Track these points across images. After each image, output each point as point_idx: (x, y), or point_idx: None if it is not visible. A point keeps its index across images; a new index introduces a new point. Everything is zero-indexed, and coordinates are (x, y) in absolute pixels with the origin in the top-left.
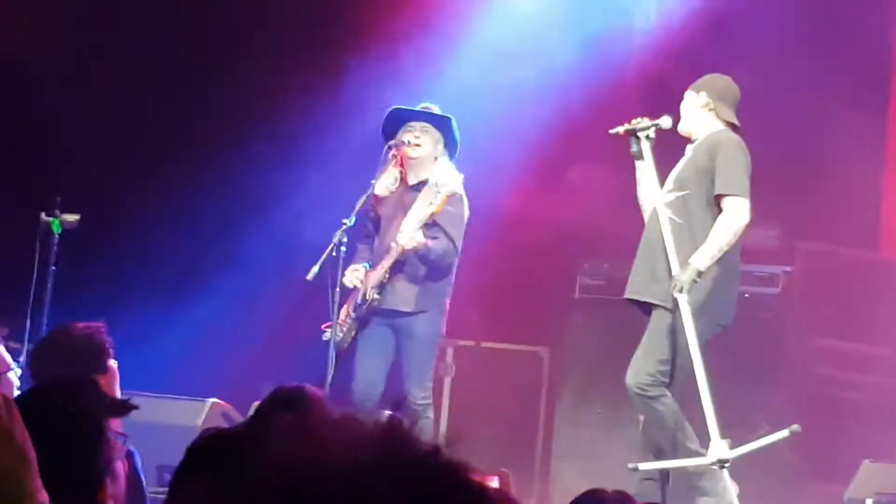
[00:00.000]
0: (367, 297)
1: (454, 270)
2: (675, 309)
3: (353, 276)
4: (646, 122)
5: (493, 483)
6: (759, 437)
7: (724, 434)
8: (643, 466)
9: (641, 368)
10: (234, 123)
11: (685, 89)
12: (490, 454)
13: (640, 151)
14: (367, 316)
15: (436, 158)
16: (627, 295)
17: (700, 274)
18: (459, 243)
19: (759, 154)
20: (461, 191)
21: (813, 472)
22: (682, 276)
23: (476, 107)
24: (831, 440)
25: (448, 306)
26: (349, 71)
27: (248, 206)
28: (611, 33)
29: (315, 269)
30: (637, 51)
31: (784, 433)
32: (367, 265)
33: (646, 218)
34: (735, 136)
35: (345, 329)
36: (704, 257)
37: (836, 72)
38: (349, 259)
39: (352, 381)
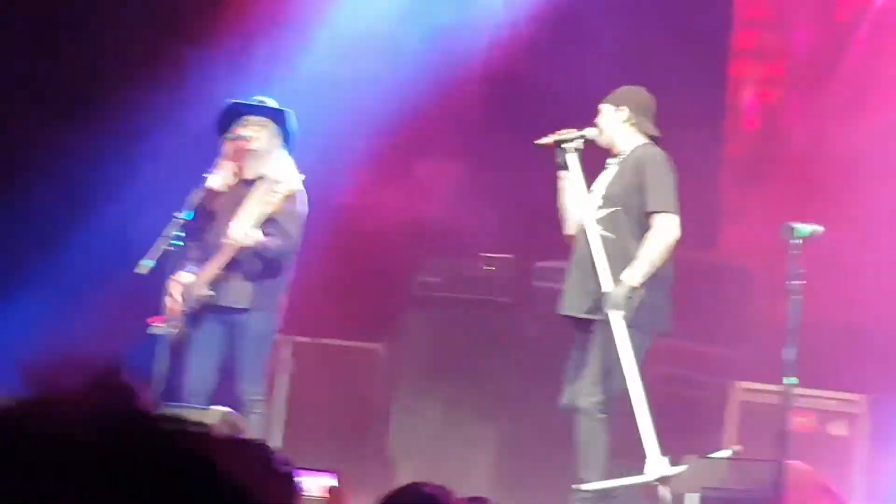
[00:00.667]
0: (201, 294)
1: (291, 267)
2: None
3: (181, 282)
4: (573, 132)
5: (330, 481)
6: None
7: (561, 432)
8: (586, 487)
9: (591, 389)
10: (65, 114)
11: (533, 82)
12: (327, 451)
13: (566, 162)
14: (200, 312)
15: (273, 153)
16: (565, 311)
17: (633, 290)
18: (297, 240)
19: (596, 155)
20: (300, 187)
21: (639, 467)
22: (616, 292)
23: (323, 99)
24: (664, 435)
25: (283, 303)
26: (192, 64)
27: (80, 199)
28: (459, 26)
29: (146, 262)
30: (485, 44)
31: (727, 452)
32: (194, 267)
33: (568, 229)
34: (661, 152)
35: (176, 324)
36: (637, 274)
37: (674, 71)
38: (182, 253)
39: (183, 376)
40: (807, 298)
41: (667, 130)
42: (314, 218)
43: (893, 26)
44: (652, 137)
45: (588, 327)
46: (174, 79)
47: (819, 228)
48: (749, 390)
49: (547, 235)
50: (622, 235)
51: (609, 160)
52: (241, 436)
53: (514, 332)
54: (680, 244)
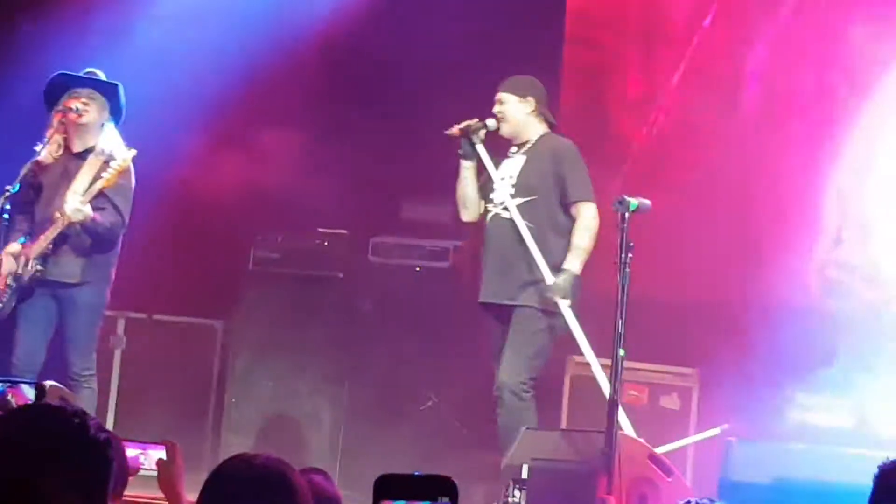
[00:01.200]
0: (30, 268)
1: (120, 241)
2: (544, 311)
3: (9, 254)
4: (477, 123)
5: (160, 454)
6: (426, 408)
7: (394, 405)
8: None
9: (516, 371)
10: None
11: (370, 55)
12: (161, 426)
13: (471, 151)
14: (29, 286)
15: (102, 126)
16: (489, 299)
17: (576, 278)
18: (127, 215)
19: (436, 130)
20: (130, 163)
21: (477, 441)
22: (562, 282)
23: (159, 72)
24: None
25: (113, 277)
26: (26, 35)
27: None
28: None
29: None
30: (327, 12)
31: (715, 431)
32: (22, 239)
33: (467, 216)
34: (570, 141)
35: (4, 298)
36: (577, 262)
37: (512, 41)
38: (10, 227)
39: (12, 351)
40: (639, 273)
41: None
42: (150, 192)
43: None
44: (550, 125)
45: (508, 314)
46: (7, 50)
47: (646, 202)
48: (581, 364)
49: (383, 211)
50: (540, 224)
51: (513, 149)
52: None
53: (350, 307)
54: None
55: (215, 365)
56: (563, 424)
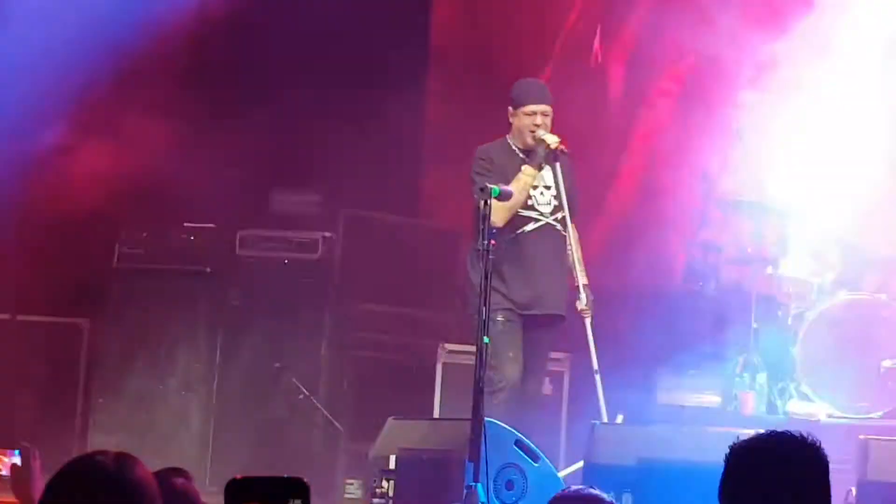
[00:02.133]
0: None
1: None
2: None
3: None
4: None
5: (14, 459)
6: (298, 398)
7: (263, 399)
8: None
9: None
10: None
11: (237, 45)
12: (28, 428)
13: (545, 162)
14: None
15: None
16: (551, 310)
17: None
18: None
19: (302, 121)
20: None
21: (348, 433)
22: (588, 297)
23: (19, 57)
24: (370, 400)
25: None
26: None
27: None
28: None
29: None
30: (189, 8)
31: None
32: None
33: (502, 221)
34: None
35: None
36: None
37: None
38: None
39: None
40: None
41: (372, 98)
42: (9, 190)
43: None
44: None
45: (554, 323)
46: None
47: (508, 188)
48: (452, 351)
49: (250, 203)
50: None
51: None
52: None
53: (218, 302)
54: (386, 210)
55: (82, 365)
56: (436, 412)
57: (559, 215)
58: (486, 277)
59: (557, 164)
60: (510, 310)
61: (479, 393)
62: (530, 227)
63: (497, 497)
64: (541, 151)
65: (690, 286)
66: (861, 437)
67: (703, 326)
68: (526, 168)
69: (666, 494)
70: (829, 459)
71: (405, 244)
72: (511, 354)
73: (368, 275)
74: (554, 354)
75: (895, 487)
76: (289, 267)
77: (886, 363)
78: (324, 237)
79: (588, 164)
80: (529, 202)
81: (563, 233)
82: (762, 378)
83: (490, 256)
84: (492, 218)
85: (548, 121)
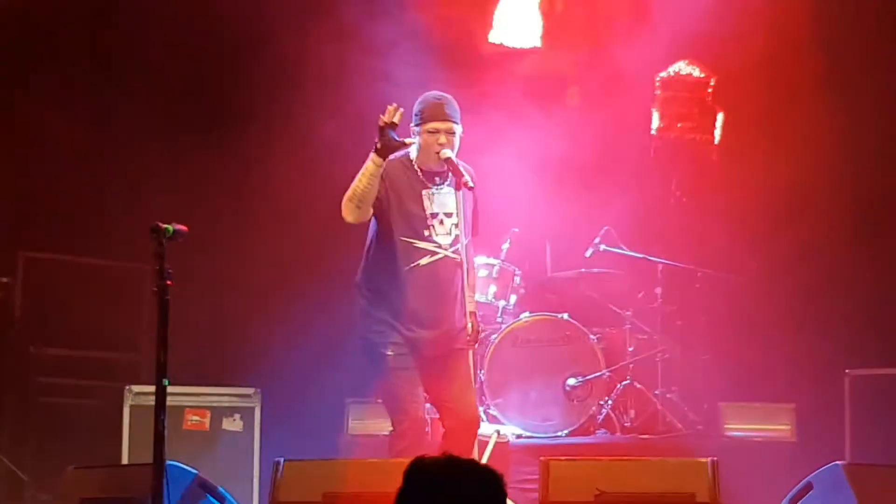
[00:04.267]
0: None
1: None
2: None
3: None
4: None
5: None
6: None
7: None
8: None
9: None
10: None
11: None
12: None
13: (392, 148)
14: None
15: None
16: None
17: None
18: None
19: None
20: None
21: (33, 482)
22: (475, 326)
23: None
24: (56, 447)
25: None
26: None
27: None
28: None
29: None
30: None
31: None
32: None
33: (360, 217)
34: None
35: None
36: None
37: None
38: None
39: None
40: (189, 299)
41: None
42: None
43: None
44: None
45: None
46: None
47: (183, 228)
48: (140, 393)
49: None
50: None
51: (437, 180)
52: None
53: None
54: (66, 252)
55: None
56: (125, 457)
57: (458, 246)
58: (163, 318)
59: (460, 192)
60: (400, 343)
61: (158, 438)
62: (425, 260)
63: None
64: (387, 136)
65: None
66: (542, 458)
67: None
68: (373, 156)
69: None
70: (507, 481)
71: (91, 285)
72: (408, 390)
73: (51, 318)
74: (242, 390)
75: None
76: None
77: (571, 381)
78: (2, 282)
79: None
80: (426, 233)
81: (459, 260)
82: None
83: (164, 296)
84: (342, 213)
85: (450, 139)
